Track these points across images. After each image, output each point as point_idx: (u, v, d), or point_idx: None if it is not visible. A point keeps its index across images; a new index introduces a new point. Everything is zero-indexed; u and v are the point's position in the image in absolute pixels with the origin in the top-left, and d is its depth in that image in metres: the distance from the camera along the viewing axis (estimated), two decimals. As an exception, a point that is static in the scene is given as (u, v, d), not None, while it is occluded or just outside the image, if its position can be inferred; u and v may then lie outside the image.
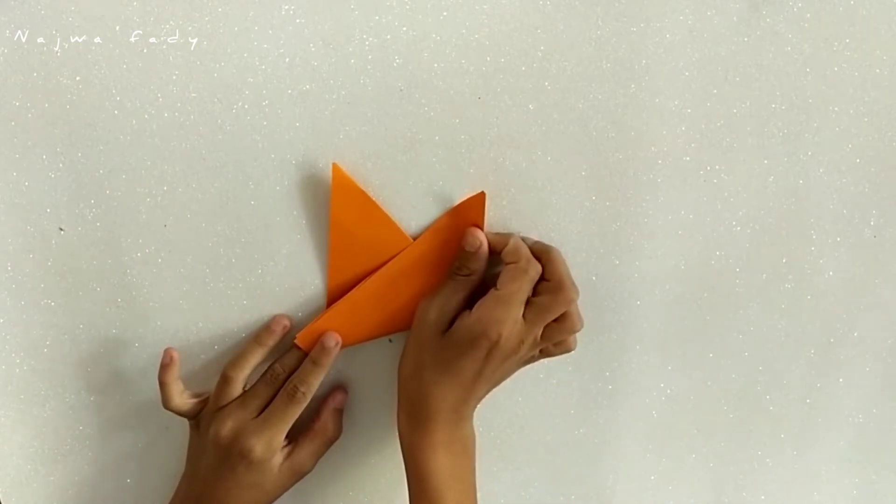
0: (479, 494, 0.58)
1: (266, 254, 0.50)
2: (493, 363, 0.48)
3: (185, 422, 0.55)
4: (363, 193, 0.48)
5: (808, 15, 0.47)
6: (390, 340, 0.54)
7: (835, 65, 0.49)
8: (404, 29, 0.46)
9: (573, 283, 0.48)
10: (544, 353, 0.51)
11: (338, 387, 0.55)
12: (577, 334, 0.50)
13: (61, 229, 0.49)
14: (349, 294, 0.51)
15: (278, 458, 0.51)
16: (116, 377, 0.53)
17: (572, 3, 0.46)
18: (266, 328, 0.51)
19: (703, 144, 0.50)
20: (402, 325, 0.53)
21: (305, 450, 0.52)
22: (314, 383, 0.51)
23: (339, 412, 0.55)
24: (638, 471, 0.60)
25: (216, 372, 0.53)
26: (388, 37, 0.46)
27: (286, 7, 0.45)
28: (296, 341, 0.51)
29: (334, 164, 0.47)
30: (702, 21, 0.47)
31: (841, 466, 0.61)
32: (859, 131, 0.51)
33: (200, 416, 0.52)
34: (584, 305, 0.53)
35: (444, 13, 0.46)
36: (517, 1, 0.46)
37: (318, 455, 0.53)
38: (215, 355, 0.53)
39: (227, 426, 0.50)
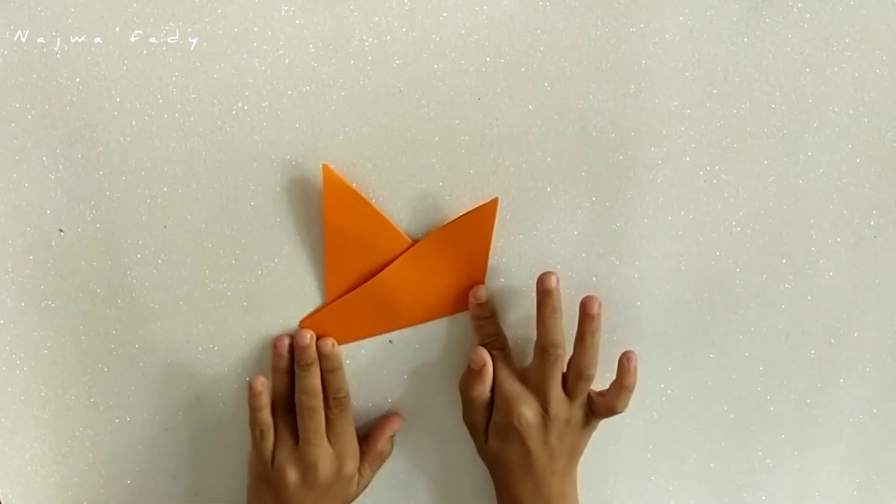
0: (478, 493, 0.58)
1: (266, 255, 0.50)
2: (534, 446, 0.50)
3: (184, 422, 0.55)
4: (355, 193, 0.48)
5: (808, 15, 0.47)
6: (390, 342, 0.54)
7: (835, 65, 0.49)
8: (404, 30, 0.46)
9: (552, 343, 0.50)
10: (593, 413, 0.51)
11: (395, 414, 0.56)
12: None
13: (61, 230, 0.49)
14: (353, 291, 0.51)
15: (356, 471, 0.53)
16: (116, 378, 0.53)
17: (572, 3, 0.46)
18: (276, 355, 0.52)
19: (703, 144, 0.50)
20: (402, 323, 0.53)
21: (367, 472, 0.55)
22: (345, 384, 0.52)
23: (394, 435, 0.56)
24: (638, 471, 0.60)
25: (215, 373, 0.53)
26: (388, 38, 0.46)
27: (286, 8, 0.45)
28: (301, 324, 0.52)
29: (324, 165, 0.47)
30: (702, 21, 0.47)
31: (841, 466, 0.61)
32: (859, 131, 0.51)
33: (275, 466, 0.52)
34: (584, 306, 0.54)
35: (444, 14, 0.46)
36: (517, 1, 0.46)
37: (377, 469, 0.56)
38: (215, 356, 0.53)
39: (322, 464, 0.51)
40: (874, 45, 0.48)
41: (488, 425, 0.52)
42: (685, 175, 0.51)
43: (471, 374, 0.52)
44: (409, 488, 0.58)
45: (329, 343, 0.51)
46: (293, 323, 0.52)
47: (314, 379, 0.51)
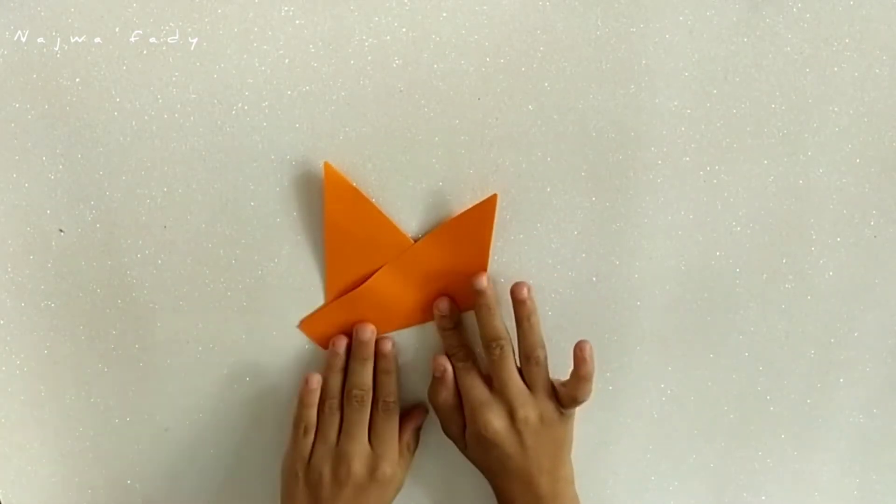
0: (477, 494, 0.58)
1: (266, 254, 0.50)
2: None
3: (185, 422, 0.55)
4: (356, 191, 0.48)
5: (808, 15, 0.47)
6: (390, 341, 0.54)
7: (835, 65, 0.49)
8: (404, 30, 0.46)
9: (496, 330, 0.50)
10: (562, 405, 0.51)
11: (418, 406, 0.56)
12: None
13: (61, 231, 0.49)
14: (353, 291, 0.51)
15: (396, 476, 0.53)
16: (116, 378, 0.53)
17: (572, 3, 0.46)
18: (332, 353, 0.52)
19: (703, 144, 0.50)
20: (402, 323, 0.53)
21: (399, 470, 0.54)
22: (396, 390, 0.53)
23: (420, 427, 0.56)
24: (638, 471, 0.60)
25: (215, 373, 0.53)
26: (388, 38, 0.46)
27: (286, 8, 0.45)
28: (300, 327, 0.52)
29: (326, 163, 0.47)
30: (702, 21, 0.47)
31: (841, 466, 0.61)
32: (859, 131, 0.51)
33: (311, 463, 0.52)
34: (585, 305, 0.54)
35: (444, 14, 0.46)
36: (517, 1, 0.46)
37: (408, 467, 0.55)
38: (215, 356, 0.53)
39: (357, 462, 0.51)
40: (874, 45, 0.48)
41: (465, 434, 0.52)
42: (685, 175, 0.51)
43: (434, 382, 0.53)
44: (410, 489, 0.58)
45: (389, 343, 0.52)
46: (293, 323, 0.52)
47: (367, 374, 0.51)
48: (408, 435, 0.54)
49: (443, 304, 0.52)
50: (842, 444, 0.61)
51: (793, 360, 0.57)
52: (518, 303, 0.50)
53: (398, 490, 0.54)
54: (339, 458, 0.51)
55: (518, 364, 0.51)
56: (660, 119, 0.49)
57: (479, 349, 0.53)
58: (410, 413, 0.55)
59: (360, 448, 0.51)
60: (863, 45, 0.48)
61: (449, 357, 0.52)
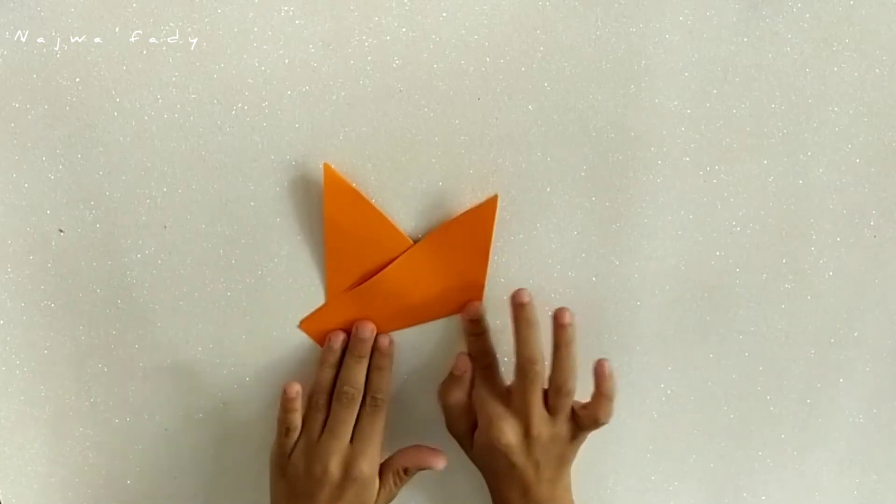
0: (477, 494, 0.58)
1: (266, 255, 0.50)
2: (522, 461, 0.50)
3: (184, 422, 0.55)
4: (356, 192, 0.48)
5: (808, 15, 0.47)
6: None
7: (835, 65, 0.49)
8: (404, 30, 0.46)
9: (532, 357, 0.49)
10: (579, 426, 0.51)
11: (439, 454, 0.54)
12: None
13: (61, 231, 0.49)
14: (352, 291, 0.51)
15: (377, 477, 0.52)
16: (116, 379, 0.53)
17: (572, 3, 0.46)
18: (327, 349, 0.51)
19: (703, 144, 0.50)
20: (402, 323, 0.53)
21: (390, 482, 0.53)
22: (387, 388, 0.52)
23: (423, 469, 0.55)
24: (638, 471, 0.60)
25: (215, 373, 0.53)
26: (388, 38, 0.46)
27: (286, 8, 0.45)
28: (300, 327, 0.52)
29: (325, 164, 0.47)
30: (702, 21, 0.47)
31: (841, 466, 0.62)
32: (859, 131, 0.51)
33: (291, 458, 0.51)
34: (585, 305, 0.54)
35: (444, 14, 0.46)
36: (517, 1, 0.46)
37: (401, 486, 0.55)
38: (215, 357, 0.53)
39: (333, 460, 0.50)
40: (874, 45, 0.48)
41: (473, 433, 0.52)
42: (685, 175, 0.51)
43: (450, 380, 0.52)
44: (408, 488, 0.58)
45: (387, 339, 0.52)
46: (293, 323, 0.52)
47: (361, 372, 0.51)
48: (410, 462, 0.53)
49: (474, 309, 0.51)
50: (841, 444, 0.61)
51: (793, 360, 0.57)
52: (559, 327, 0.49)
53: (389, 499, 0.53)
54: (317, 456, 0.50)
55: (545, 386, 0.50)
56: (660, 119, 0.49)
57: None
58: (432, 453, 0.54)
59: (339, 446, 0.50)
60: (863, 45, 0.48)
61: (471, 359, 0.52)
